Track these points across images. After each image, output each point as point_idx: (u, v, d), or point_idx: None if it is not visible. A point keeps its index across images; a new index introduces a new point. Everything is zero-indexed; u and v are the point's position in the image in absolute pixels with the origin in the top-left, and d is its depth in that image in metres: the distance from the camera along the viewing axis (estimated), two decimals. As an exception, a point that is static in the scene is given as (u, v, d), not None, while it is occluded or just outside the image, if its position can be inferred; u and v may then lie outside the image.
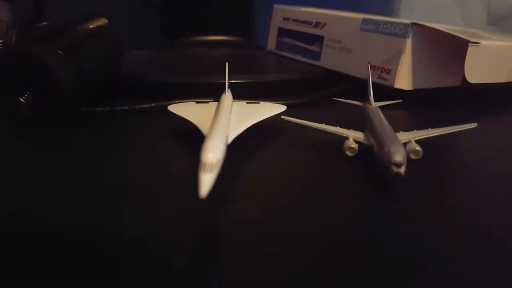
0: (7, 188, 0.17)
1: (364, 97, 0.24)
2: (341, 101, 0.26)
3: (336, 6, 0.37)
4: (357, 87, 0.28)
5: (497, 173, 0.19)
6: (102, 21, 0.29)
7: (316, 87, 0.30)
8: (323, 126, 0.20)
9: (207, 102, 0.23)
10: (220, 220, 0.14)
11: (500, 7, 0.48)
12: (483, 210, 0.15)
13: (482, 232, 0.14)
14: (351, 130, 0.20)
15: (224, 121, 0.17)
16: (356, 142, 0.19)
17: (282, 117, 0.21)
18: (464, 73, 0.26)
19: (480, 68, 0.27)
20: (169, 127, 0.23)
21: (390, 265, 0.12)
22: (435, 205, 0.16)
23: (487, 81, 0.28)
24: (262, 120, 0.20)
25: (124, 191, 0.16)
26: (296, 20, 0.36)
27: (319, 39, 0.34)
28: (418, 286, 0.11)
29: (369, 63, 0.26)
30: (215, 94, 0.22)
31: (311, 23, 0.35)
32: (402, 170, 0.16)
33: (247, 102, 0.22)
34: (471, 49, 0.26)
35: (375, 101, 0.23)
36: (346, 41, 0.31)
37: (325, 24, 0.33)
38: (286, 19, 0.37)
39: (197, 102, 0.23)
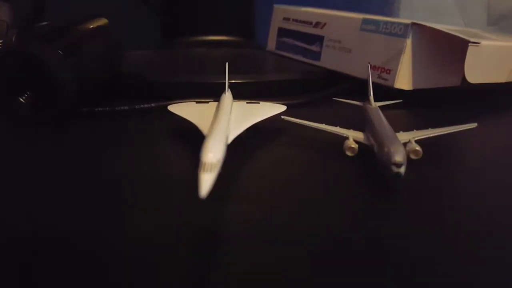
0: (7, 188, 0.17)
1: (364, 97, 0.24)
2: (341, 101, 0.26)
3: (336, 6, 0.37)
4: (357, 87, 0.28)
5: (497, 173, 0.19)
6: (102, 21, 0.29)
7: (316, 87, 0.30)
8: (323, 126, 0.20)
9: (207, 102, 0.23)
10: (220, 220, 0.14)
11: (500, 7, 0.48)
12: (483, 210, 0.15)
13: (482, 232, 0.14)
14: (351, 130, 0.20)
15: (224, 121, 0.17)
16: (356, 142, 0.19)
17: (282, 117, 0.21)
18: (464, 73, 0.26)
19: (480, 68, 0.27)
20: (169, 127, 0.23)
21: (390, 265, 0.12)
22: (435, 205, 0.16)
23: (487, 81, 0.28)
24: (262, 120, 0.20)
25: (124, 191, 0.16)
26: (296, 20, 0.36)
27: (319, 39, 0.34)
28: (418, 286, 0.11)
29: (369, 63, 0.26)
30: (215, 94, 0.22)
31: (311, 23, 0.35)
32: (402, 170, 0.16)
33: (247, 102, 0.22)
34: (471, 49, 0.26)
35: (375, 101, 0.23)
36: (346, 41, 0.31)
37: (325, 24, 0.33)
38: (286, 19, 0.37)
39: (197, 102, 0.23)
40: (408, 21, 0.28)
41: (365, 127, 0.21)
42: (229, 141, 0.17)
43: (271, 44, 0.39)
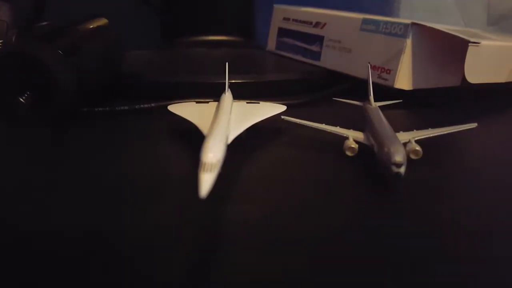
0: (7, 188, 0.17)
1: (364, 97, 0.24)
2: (341, 101, 0.26)
3: (336, 6, 0.37)
4: (357, 87, 0.28)
5: (497, 173, 0.19)
6: (102, 21, 0.29)
7: (316, 87, 0.30)
8: (323, 126, 0.20)
9: (207, 102, 0.23)
10: (220, 220, 0.14)
11: (500, 7, 0.48)
12: (483, 210, 0.15)
13: (482, 232, 0.14)
14: (351, 130, 0.20)
15: (224, 121, 0.17)
16: (356, 142, 0.19)
17: (282, 117, 0.21)
18: (464, 73, 0.26)
19: (480, 68, 0.27)
20: (169, 127, 0.23)
21: (390, 265, 0.12)
22: (435, 205, 0.16)
23: (487, 81, 0.28)
24: (262, 120, 0.20)
25: (124, 191, 0.16)
26: (296, 20, 0.36)
27: (319, 39, 0.34)
28: (418, 286, 0.11)
29: (369, 63, 0.26)
30: (215, 94, 0.22)
31: (311, 23, 0.35)
32: (402, 170, 0.16)
33: (247, 102, 0.22)
34: (471, 49, 0.26)
35: (375, 101, 0.23)
36: (346, 41, 0.31)
37: (325, 24, 0.33)
38: (286, 19, 0.37)
39: (197, 102, 0.23)
40: (408, 21, 0.28)
41: (365, 127, 0.21)
42: (229, 141, 0.17)
43: (271, 44, 0.39)
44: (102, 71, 0.28)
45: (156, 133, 0.23)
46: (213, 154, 0.13)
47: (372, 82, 0.24)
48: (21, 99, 0.22)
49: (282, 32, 0.37)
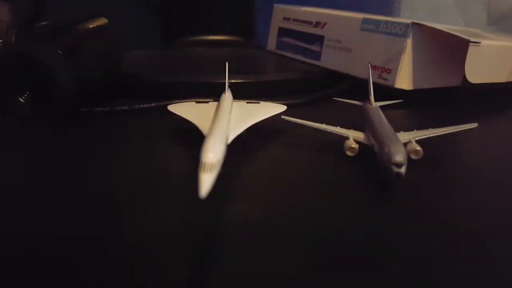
0: (7, 188, 0.17)
1: (364, 97, 0.24)
2: (341, 101, 0.26)
3: (336, 6, 0.37)
4: (357, 87, 0.28)
5: (498, 173, 0.19)
6: (102, 21, 0.29)
7: (317, 87, 0.30)
8: (323, 126, 0.20)
9: (207, 102, 0.23)
10: (220, 220, 0.14)
11: (500, 7, 0.48)
12: (483, 210, 0.15)
13: (482, 232, 0.14)
14: (352, 130, 0.20)
15: (224, 121, 0.17)
16: (357, 142, 0.19)
17: (282, 117, 0.21)
18: (464, 73, 0.26)
19: (480, 68, 0.27)
20: (169, 127, 0.23)
21: (391, 265, 0.12)
22: (435, 205, 0.16)
23: (488, 81, 0.28)
24: (262, 120, 0.20)
25: (124, 191, 0.16)
26: (296, 20, 0.36)
27: (319, 39, 0.34)
28: (418, 286, 0.11)
29: (369, 62, 0.26)
30: (215, 94, 0.22)
31: (311, 22, 0.35)
32: (403, 170, 0.16)
33: (247, 102, 0.22)
34: (471, 49, 0.26)
35: (375, 101, 0.23)
36: (347, 41, 0.31)
37: (325, 24, 0.33)
38: (286, 18, 0.37)
39: (197, 102, 0.23)
40: (408, 21, 0.28)
41: (365, 127, 0.21)
42: (229, 141, 0.17)
43: (271, 44, 0.39)
44: (102, 71, 0.27)
45: (156, 133, 0.23)
46: (213, 154, 0.13)
47: (373, 82, 0.24)
48: (20, 99, 0.22)
49: (282, 32, 0.37)
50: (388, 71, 0.28)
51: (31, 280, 0.11)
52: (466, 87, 0.27)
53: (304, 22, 0.35)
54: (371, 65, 0.26)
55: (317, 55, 0.34)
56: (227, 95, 0.21)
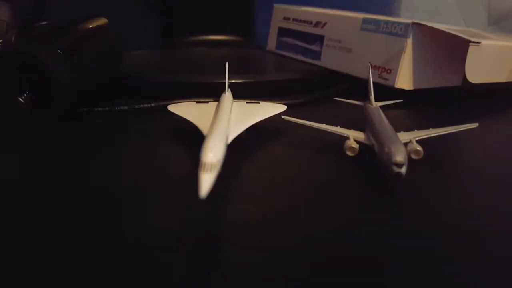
0: (7, 188, 0.17)
1: (365, 97, 0.24)
2: (341, 101, 0.25)
3: (337, 6, 0.37)
4: (357, 86, 0.28)
5: (498, 173, 0.19)
6: (102, 21, 0.29)
7: (317, 87, 0.30)
8: (323, 126, 0.20)
9: (207, 102, 0.23)
10: (220, 220, 0.14)
11: (500, 7, 0.48)
12: (484, 210, 0.15)
13: (483, 232, 0.14)
14: (352, 130, 0.20)
15: (224, 121, 0.17)
16: (357, 142, 0.19)
17: (283, 117, 0.21)
18: (464, 73, 0.26)
19: (480, 68, 0.27)
20: (169, 127, 0.23)
21: (391, 265, 0.12)
22: (435, 205, 0.16)
23: (488, 81, 0.28)
24: (262, 120, 0.20)
25: (124, 191, 0.16)
26: (296, 20, 0.36)
27: (319, 39, 0.34)
28: (418, 286, 0.11)
29: (369, 63, 0.26)
30: (215, 94, 0.22)
31: (311, 22, 0.35)
32: (403, 170, 0.16)
33: (247, 102, 0.22)
34: (471, 49, 0.26)
35: (375, 101, 0.23)
36: (347, 41, 0.31)
37: (325, 23, 0.33)
38: (286, 18, 0.37)
39: (197, 102, 0.23)
40: (408, 21, 0.28)
41: (365, 127, 0.21)
42: (229, 141, 0.17)
43: (271, 43, 0.39)
44: (102, 71, 0.27)
45: (156, 133, 0.23)
46: (213, 154, 0.13)
47: (373, 82, 0.24)
48: (20, 99, 0.22)
49: (282, 31, 0.37)
50: (388, 71, 0.28)
51: (31, 280, 0.11)
52: (466, 87, 0.27)
53: (304, 22, 0.35)
54: (371, 65, 0.26)
55: (317, 55, 0.34)
56: (227, 95, 0.21)
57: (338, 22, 0.32)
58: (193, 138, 0.18)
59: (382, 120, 0.20)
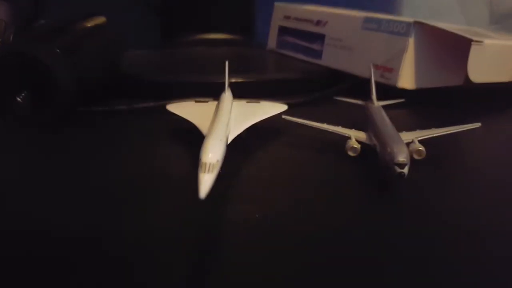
0: (7, 188, 0.17)
1: (366, 96, 0.24)
2: (342, 101, 0.25)
3: (338, 4, 0.37)
4: (358, 86, 0.28)
5: (500, 173, 0.19)
6: (100, 20, 0.29)
7: (318, 86, 0.30)
8: (324, 126, 0.20)
9: (207, 101, 0.23)
10: (220, 220, 0.14)
11: (502, 6, 0.47)
12: (484, 210, 0.15)
13: (483, 232, 0.14)
14: (353, 129, 0.20)
15: (223, 121, 0.17)
16: (359, 142, 0.19)
17: (283, 116, 0.21)
18: (467, 72, 0.26)
19: (483, 67, 0.27)
20: (168, 127, 0.23)
21: (391, 265, 0.12)
22: (435, 205, 0.15)
23: (490, 81, 0.28)
24: (262, 120, 0.20)
25: (123, 191, 0.16)
26: (297, 18, 0.36)
27: (320, 38, 0.33)
28: (419, 286, 0.11)
29: (372, 64, 0.26)
30: (215, 94, 0.22)
31: (312, 21, 0.34)
32: (406, 170, 0.15)
33: (247, 102, 0.22)
34: (474, 48, 0.26)
35: (377, 100, 0.23)
36: (348, 40, 0.31)
37: (326, 22, 0.33)
38: (287, 17, 0.37)
39: (196, 102, 0.23)
40: (410, 20, 0.27)
41: (367, 127, 0.20)
42: (229, 141, 0.17)
43: (272, 42, 0.39)
44: (101, 70, 0.27)
45: (156, 133, 0.23)
46: (212, 154, 0.13)
47: (374, 81, 0.24)
48: (18, 99, 0.22)
49: (283, 30, 0.37)
50: (390, 70, 0.28)
51: (31, 280, 0.11)
52: (468, 86, 0.27)
53: (305, 20, 0.35)
54: (373, 65, 0.25)
55: (318, 54, 0.34)
56: (227, 94, 0.21)
57: (339, 20, 0.32)
58: (193, 138, 0.18)
59: (384, 120, 0.20)
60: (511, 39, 0.31)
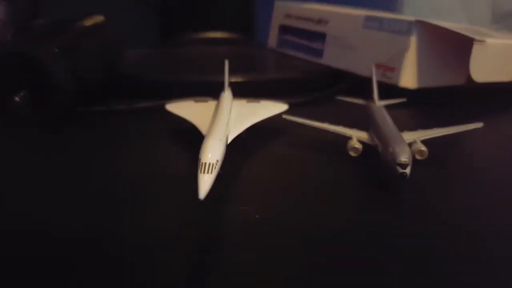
0: (7, 188, 0.17)
1: (368, 96, 0.24)
2: (344, 100, 0.25)
3: (339, 3, 0.37)
4: (360, 85, 0.28)
5: (501, 173, 0.18)
6: (99, 19, 0.29)
7: (318, 86, 0.30)
8: (326, 126, 0.20)
9: (206, 101, 0.22)
10: (220, 220, 0.14)
11: (505, 5, 0.47)
12: (484, 210, 0.15)
13: (483, 232, 0.14)
14: (355, 129, 0.20)
15: (223, 121, 0.17)
16: (360, 142, 0.19)
17: (284, 116, 0.21)
18: (469, 71, 0.26)
19: (485, 67, 0.27)
20: (168, 126, 0.23)
21: (391, 265, 0.12)
22: (435, 205, 0.15)
23: (493, 80, 0.28)
24: (262, 120, 0.20)
25: (123, 191, 0.16)
26: (297, 17, 0.36)
27: (321, 37, 0.33)
28: (419, 286, 0.11)
29: (373, 64, 0.26)
30: (214, 93, 0.22)
31: (313, 20, 0.34)
32: (408, 170, 0.15)
33: (247, 101, 0.22)
34: (476, 47, 0.25)
35: (378, 100, 0.23)
36: (349, 39, 0.31)
37: (327, 21, 0.33)
38: (287, 16, 0.37)
39: (195, 101, 0.23)
40: (412, 19, 0.27)
41: (369, 127, 0.20)
42: (229, 141, 0.17)
43: (272, 41, 0.38)
44: (100, 70, 0.27)
45: (156, 133, 0.23)
46: (212, 155, 0.13)
47: (376, 81, 0.24)
48: (16, 98, 0.22)
49: (284, 29, 0.37)
50: (392, 70, 0.28)
51: (31, 280, 0.11)
52: (470, 86, 0.27)
53: (306, 19, 0.35)
54: (374, 64, 0.25)
55: (319, 53, 0.33)
56: (227, 94, 0.21)
57: (341, 19, 0.32)
58: (192, 138, 0.18)
59: (385, 120, 0.19)
60: (513, 38, 0.31)
